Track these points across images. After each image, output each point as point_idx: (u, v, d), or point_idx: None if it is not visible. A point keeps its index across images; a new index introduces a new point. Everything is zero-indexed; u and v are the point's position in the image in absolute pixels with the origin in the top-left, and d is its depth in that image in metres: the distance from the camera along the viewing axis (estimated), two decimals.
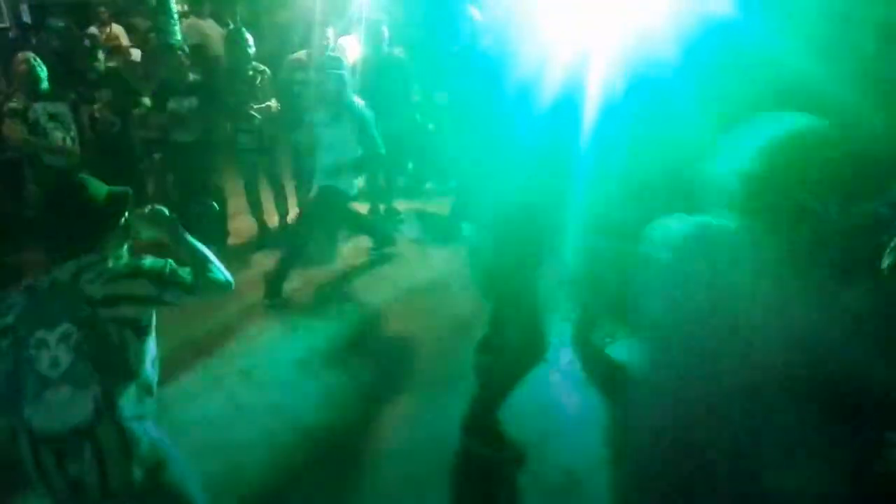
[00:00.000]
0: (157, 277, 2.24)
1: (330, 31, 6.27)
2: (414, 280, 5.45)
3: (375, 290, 5.29)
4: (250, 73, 5.81)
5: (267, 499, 3.26)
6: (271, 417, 3.80)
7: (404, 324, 4.72)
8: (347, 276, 5.55)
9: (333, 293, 5.27)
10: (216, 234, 5.88)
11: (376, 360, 4.36)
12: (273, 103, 5.85)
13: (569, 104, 2.74)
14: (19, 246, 5.27)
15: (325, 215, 5.22)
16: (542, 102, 2.81)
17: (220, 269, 2.38)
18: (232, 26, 6.76)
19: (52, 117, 5.21)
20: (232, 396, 3.99)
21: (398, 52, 6.33)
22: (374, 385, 4.09)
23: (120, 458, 2.15)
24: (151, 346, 2.30)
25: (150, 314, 2.27)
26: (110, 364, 2.17)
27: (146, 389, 2.27)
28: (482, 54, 4.64)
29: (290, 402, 3.93)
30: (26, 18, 11.13)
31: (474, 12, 5.32)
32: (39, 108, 5.19)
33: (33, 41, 9.38)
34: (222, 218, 6.05)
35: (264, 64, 5.97)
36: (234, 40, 5.87)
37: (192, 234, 2.42)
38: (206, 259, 2.37)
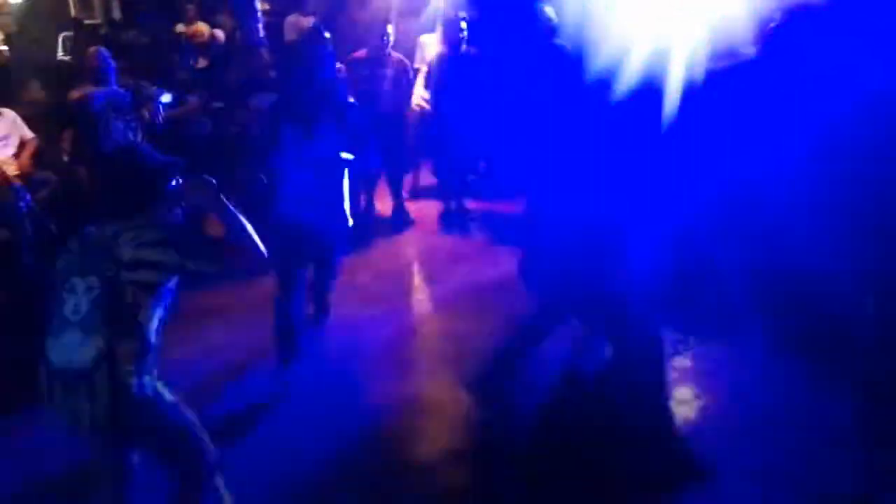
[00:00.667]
0: (184, 249, 2.44)
1: (390, 29, 6.33)
2: (480, 279, 5.46)
3: (440, 287, 5.30)
4: None
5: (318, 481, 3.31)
6: (325, 406, 3.85)
7: (467, 322, 4.71)
8: (414, 271, 5.59)
9: (398, 287, 5.32)
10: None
11: (436, 357, 4.37)
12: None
13: (649, 103, 2.72)
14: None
15: None
16: (621, 102, 2.80)
17: (254, 240, 2.57)
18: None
19: (115, 110, 5.37)
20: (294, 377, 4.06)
21: (474, 50, 6.35)
22: (431, 382, 4.10)
23: (108, 401, 2.34)
24: (162, 310, 2.47)
25: (169, 279, 2.46)
26: (119, 321, 2.36)
27: (147, 348, 2.43)
28: (558, 53, 4.63)
29: (343, 392, 3.98)
30: (116, 15, 11.63)
31: (550, 12, 5.32)
32: (105, 102, 5.38)
33: (123, 37, 9.79)
34: None
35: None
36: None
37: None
38: (242, 229, 2.56)
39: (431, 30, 7.02)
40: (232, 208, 2.57)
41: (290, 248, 3.80)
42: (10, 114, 5.65)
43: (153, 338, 2.46)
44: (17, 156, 5.54)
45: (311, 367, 4.14)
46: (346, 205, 4.06)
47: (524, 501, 3.17)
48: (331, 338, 4.50)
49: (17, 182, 5.18)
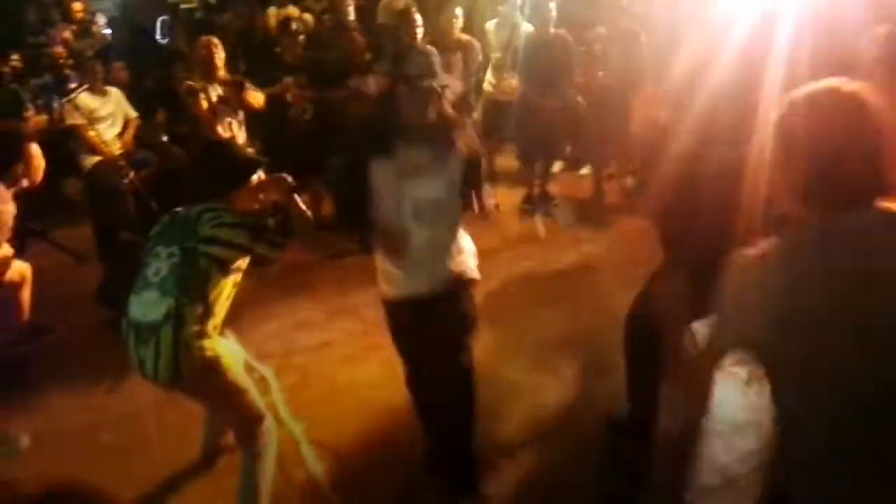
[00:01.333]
0: (254, 231, 2.79)
1: (458, 12, 6.29)
2: (561, 264, 5.44)
3: (521, 271, 5.29)
4: None
5: (416, 464, 3.35)
6: None
7: (547, 308, 4.69)
8: (494, 255, 5.59)
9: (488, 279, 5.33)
10: None
11: (516, 342, 4.37)
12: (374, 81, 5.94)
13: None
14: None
15: None
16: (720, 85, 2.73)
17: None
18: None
19: (221, 100, 5.45)
20: (392, 362, 4.13)
21: (563, 32, 6.28)
22: (512, 368, 4.11)
23: (170, 355, 2.65)
24: (229, 284, 2.82)
25: (238, 258, 2.81)
26: (190, 287, 2.69)
27: (210, 314, 2.75)
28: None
29: None
30: None
31: None
32: (211, 91, 5.47)
33: (218, 21, 10.06)
34: None
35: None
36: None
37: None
38: (308, 225, 2.98)
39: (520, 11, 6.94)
40: (301, 206, 2.98)
41: None
42: (115, 92, 5.91)
43: (218, 307, 2.78)
44: (121, 135, 5.80)
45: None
46: None
47: None
48: None
49: (122, 160, 5.42)
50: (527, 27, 6.61)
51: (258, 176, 2.97)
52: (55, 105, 4.68)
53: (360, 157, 2.78)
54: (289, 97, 5.85)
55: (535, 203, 6.62)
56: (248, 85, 5.40)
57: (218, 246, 2.74)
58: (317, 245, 5.84)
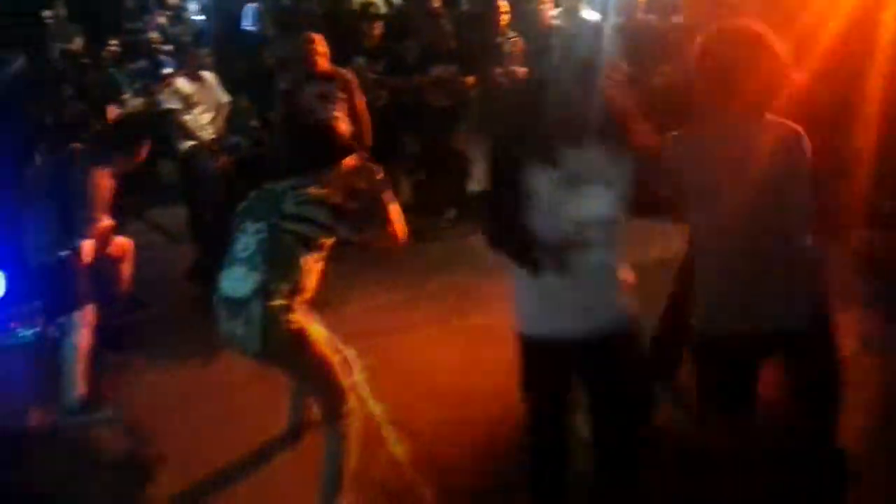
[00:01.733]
0: (337, 213, 2.82)
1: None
2: (646, 258, 5.37)
3: None
4: (499, 40, 5.99)
5: (494, 449, 3.39)
6: (505, 374, 3.96)
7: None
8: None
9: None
10: (456, 195, 6.18)
11: None
12: (519, 70, 5.96)
13: None
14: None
15: None
16: None
17: (397, 226, 2.98)
18: None
19: (321, 96, 5.45)
20: (470, 349, 4.21)
21: (652, 18, 6.18)
22: None
23: (259, 329, 2.73)
24: (313, 262, 2.86)
25: (321, 236, 2.84)
26: (276, 263, 2.77)
27: (297, 290, 2.81)
28: None
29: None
30: None
31: None
32: (308, 89, 5.55)
33: (302, 8, 10.25)
34: (461, 180, 6.30)
35: None
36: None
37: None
38: (388, 217, 2.95)
39: None
40: (389, 195, 3.00)
41: None
42: (209, 78, 6.11)
43: (304, 282, 2.84)
44: (213, 119, 6.01)
45: None
46: None
47: None
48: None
49: (214, 145, 5.61)
50: (592, 15, 6.54)
51: (350, 161, 3.04)
52: (153, 89, 4.89)
53: (508, 162, 2.27)
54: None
55: None
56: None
57: (302, 223, 2.81)
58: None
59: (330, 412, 2.96)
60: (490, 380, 3.89)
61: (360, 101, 5.47)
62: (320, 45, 5.41)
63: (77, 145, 4.25)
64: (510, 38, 6.06)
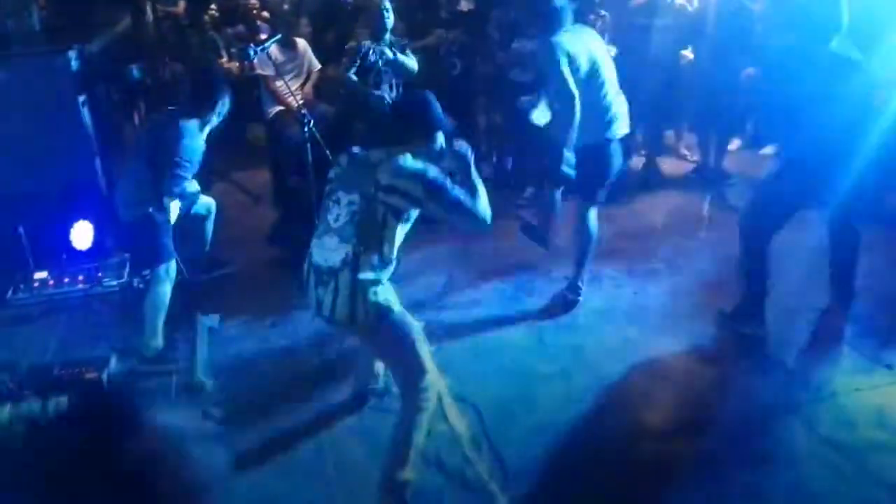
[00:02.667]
0: (429, 188, 2.81)
1: None
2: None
3: (693, 257, 5.12)
4: (591, 17, 5.86)
5: (553, 429, 3.40)
6: (570, 357, 3.94)
7: (718, 295, 4.51)
8: (664, 237, 5.45)
9: (639, 246, 5.26)
10: (536, 172, 6.12)
11: (674, 323, 4.27)
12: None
13: None
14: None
15: None
16: None
17: (484, 210, 2.95)
18: None
19: (387, 63, 5.53)
20: (538, 333, 4.22)
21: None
22: (666, 345, 4.05)
23: (347, 299, 2.81)
24: (402, 233, 2.90)
25: (412, 209, 2.86)
26: (368, 234, 2.81)
27: (385, 262, 2.87)
28: None
29: (590, 346, 4.05)
30: None
31: None
32: (378, 51, 5.56)
33: None
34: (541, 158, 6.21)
35: None
36: None
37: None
38: (476, 197, 2.93)
39: None
40: (476, 178, 2.98)
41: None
42: (303, 45, 6.21)
43: (392, 254, 2.89)
44: (303, 86, 6.10)
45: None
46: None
47: None
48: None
49: (302, 111, 5.70)
50: None
51: (441, 139, 3.01)
52: (250, 53, 4.99)
53: None
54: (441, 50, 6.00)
55: (707, 178, 6.33)
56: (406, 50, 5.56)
57: (395, 195, 2.80)
58: None
59: (408, 386, 2.95)
60: (556, 362, 3.89)
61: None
62: (390, 14, 5.49)
63: (172, 107, 4.38)
64: (600, 15, 5.90)
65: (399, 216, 2.84)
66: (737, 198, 5.87)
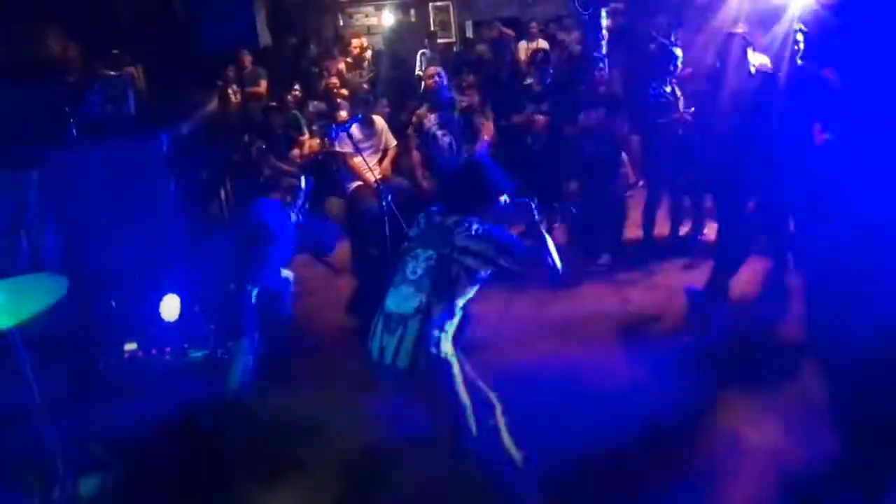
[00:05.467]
0: (500, 244, 2.99)
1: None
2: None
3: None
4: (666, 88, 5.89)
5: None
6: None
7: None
8: None
9: None
10: (611, 241, 6.09)
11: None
12: (685, 115, 5.82)
13: None
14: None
15: None
16: None
17: (553, 260, 3.12)
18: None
19: (441, 126, 5.93)
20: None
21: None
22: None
23: (411, 347, 2.92)
24: (473, 291, 3.08)
25: (485, 269, 3.03)
26: (441, 287, 2.97)
27: (452, 314, 3.04)
28: None
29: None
30: (469, 33, 12.61)
31: None
32: (434, 119, 6.04)
33: (472, 54, 10.58)
34: (617, 226, 6.19)
35: None
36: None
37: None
38: (545, 250, 3.10)
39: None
40: (543, 233, 3.16)
41: None
42: (380, 122, 6.44)
43: (459, 310, 3.06)
44: (381, 161, 6.29)
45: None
46: None
47: None
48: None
49: (379, 185, 5.86)
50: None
51: (505, 198, 3.21)
52: (332, 133, 5.33)
53: None
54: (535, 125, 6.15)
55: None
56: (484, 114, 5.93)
57: (469, 256, 2.99)
58: None
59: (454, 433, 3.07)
60: (633, 431, 3.80)
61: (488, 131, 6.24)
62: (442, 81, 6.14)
63: (272, 193, 4.63)
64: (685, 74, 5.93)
65: (471, 275, 3.03)
66: None
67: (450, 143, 6.05)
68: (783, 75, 5.45)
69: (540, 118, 6.12)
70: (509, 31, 10.65)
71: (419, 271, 3.02)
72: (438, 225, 3.12)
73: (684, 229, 6.31)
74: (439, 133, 6.05)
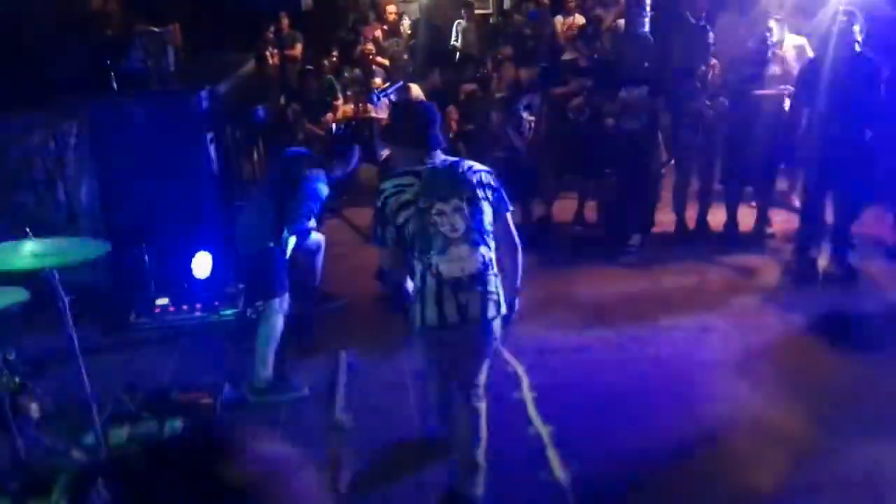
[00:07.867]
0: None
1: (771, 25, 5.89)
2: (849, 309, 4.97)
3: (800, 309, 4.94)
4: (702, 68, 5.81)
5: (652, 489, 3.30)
6: (680, 411, 3.83)
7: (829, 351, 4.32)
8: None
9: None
10: (643, 222, 6.04)
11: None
12: (722, 101, 5.74)
13: None
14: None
15: None
16: None
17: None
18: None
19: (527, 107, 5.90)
20: (644, 378, 4.15)
21: (868, 52, 5.64)
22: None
23: (495, 296, 2.91)
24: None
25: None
26: (488, 230, 2.90)
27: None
28: None
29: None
30: (506, 5, 12.42)
31: None
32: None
33: (509, 26, 10.46)
34: (650, 207, 6.14)
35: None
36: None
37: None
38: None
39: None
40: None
41: None
42: (415, 89, 6.38)
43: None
44: None
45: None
46: None
47: None
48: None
49: None
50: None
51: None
52: (374, 98, 5.30)
53: None
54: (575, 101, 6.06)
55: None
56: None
57: (489, 189, 2.94)
58: (577, 251, 6.05)
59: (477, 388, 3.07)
60: (661, 416, 3.77)
61: None
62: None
63: (304, 152, 4.63)
64: (710, 64, 5.84)
65: (498, 207, 2.98)
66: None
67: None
68: (831, 61, 5.37)
69: (577, 100, 6.06)
70: (546, 2, 10.49)
71: (458, 225, 2.82)
72: (446, 172, 2.91)
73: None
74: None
